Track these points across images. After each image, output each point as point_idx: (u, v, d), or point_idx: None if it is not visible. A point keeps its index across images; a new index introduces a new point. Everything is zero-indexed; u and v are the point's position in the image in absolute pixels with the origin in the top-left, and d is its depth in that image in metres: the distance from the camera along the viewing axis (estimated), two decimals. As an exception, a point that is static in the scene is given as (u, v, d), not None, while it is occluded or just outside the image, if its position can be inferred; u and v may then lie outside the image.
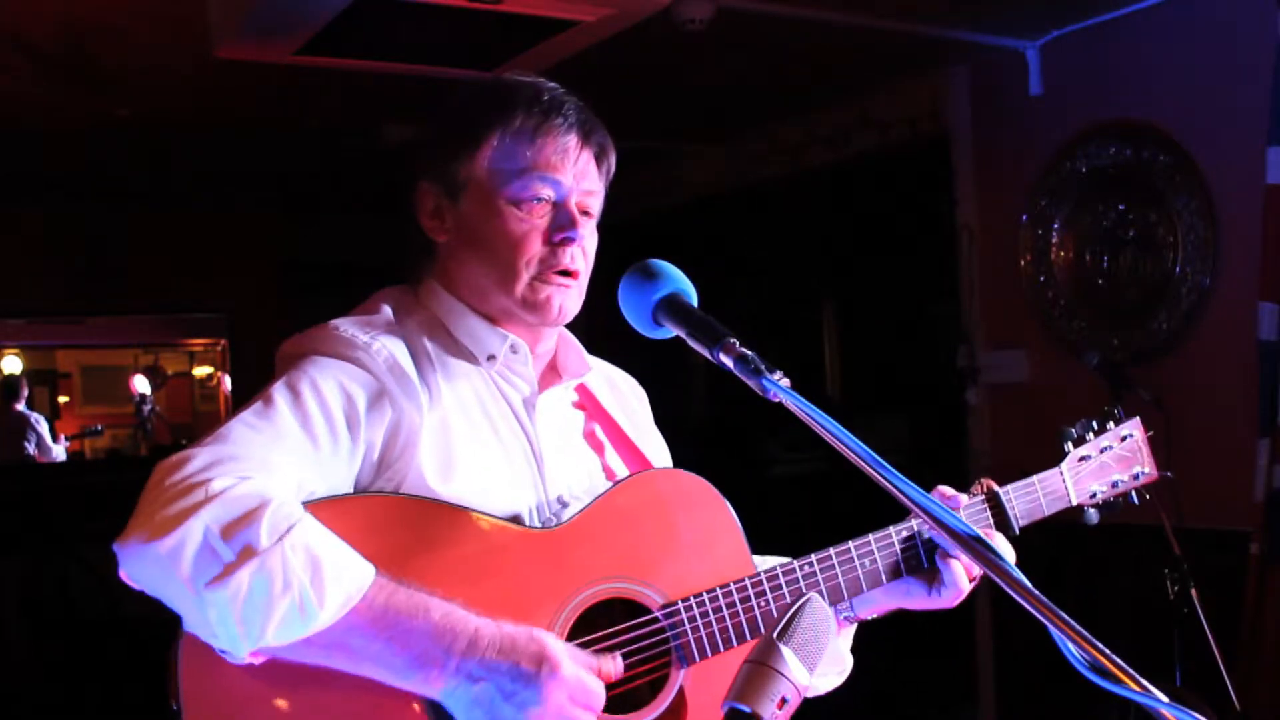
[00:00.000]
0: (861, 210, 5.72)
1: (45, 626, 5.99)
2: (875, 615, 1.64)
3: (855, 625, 1.66)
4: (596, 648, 1.36)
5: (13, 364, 8.79)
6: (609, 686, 1.32)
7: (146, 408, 8.99)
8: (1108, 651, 0.96)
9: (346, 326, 1.44)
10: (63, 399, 9.75)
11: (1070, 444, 1.75)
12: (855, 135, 5.16)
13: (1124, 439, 1.78)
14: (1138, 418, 1.82)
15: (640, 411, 1.74)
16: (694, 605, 1.43)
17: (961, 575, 1.54)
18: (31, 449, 7.70)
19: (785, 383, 1.20)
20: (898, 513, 1.58)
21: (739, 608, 1.44)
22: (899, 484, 1.10)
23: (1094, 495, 1.74)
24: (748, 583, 1.46)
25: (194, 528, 1.17)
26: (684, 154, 6.09)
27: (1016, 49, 4.28)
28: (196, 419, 9.90)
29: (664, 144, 5.78)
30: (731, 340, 1.25)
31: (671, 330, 1.34)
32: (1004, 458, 4.52)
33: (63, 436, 8.31)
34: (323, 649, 1.21)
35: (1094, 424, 1.78)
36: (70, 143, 5.17)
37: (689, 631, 1.42)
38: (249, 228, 7.06)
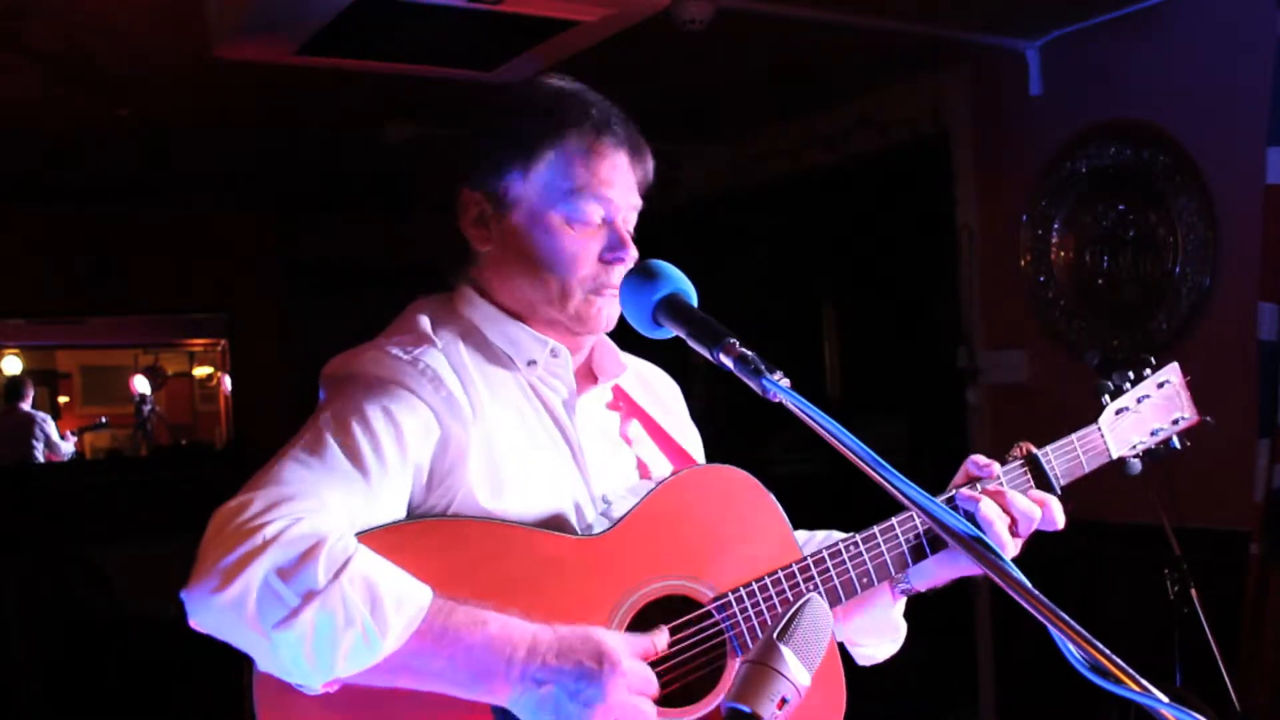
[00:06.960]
0: (861, 210, 5.71)
1: (45, 626, 5.98)
2: (932, 587, 1.62)
3: (906, 598, 1.64)
4: None
5: (13, 364, 8.78)
6: (668, 681, 1.34)
7: (146, 408, 8.97)
8: (1108, 651, 0.96)
9: (389, 348, 1.45)
10: (63, 399, 9.73)
11: (1107, 396, 1.69)
12: (855, 135, 5.15)
13: (1161, 385, 1.71)
14: (1175, 363, 1.74)
15: (675, 405, 1.76)
16: (744, 595, 1.44)
17: (992, 508, 1.51)
18: (40, 449, 7.69)
19: (785, 383, 1.20)
20: (898, 513, 1.58)
21: (788, 594, 1.46)
22: (899, 484, 1.10)
23: (1134, 446, 1.68)
24: (795, 568, 1.47)
25: (255, 574, 1.20)
26: (684, 154, 6.08)
27: (1016, 49, 4.28)
28: (196, 419, 9.88)
29: (664, 144, 5.76)
30: (731, 340, 1.26)
31: (671, 330, 1.35)
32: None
33: (68, 432, 8.31)
34: (389, 672, 1.25)
35: (1130, 374, 1.71)
36: (70, 143, 5.17)
37: (741, 621, 1.44)
38: (249, 228, 7.04)
